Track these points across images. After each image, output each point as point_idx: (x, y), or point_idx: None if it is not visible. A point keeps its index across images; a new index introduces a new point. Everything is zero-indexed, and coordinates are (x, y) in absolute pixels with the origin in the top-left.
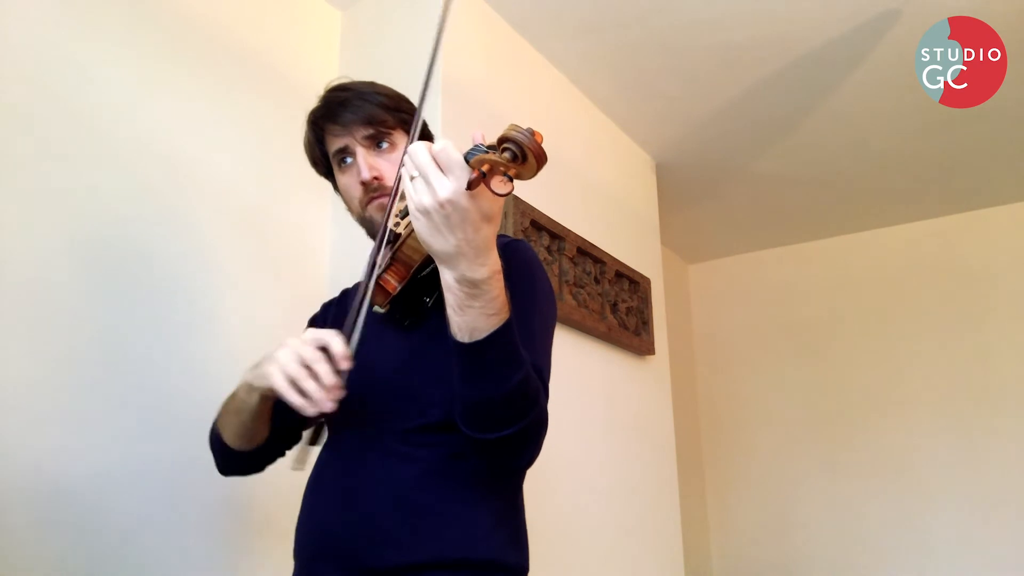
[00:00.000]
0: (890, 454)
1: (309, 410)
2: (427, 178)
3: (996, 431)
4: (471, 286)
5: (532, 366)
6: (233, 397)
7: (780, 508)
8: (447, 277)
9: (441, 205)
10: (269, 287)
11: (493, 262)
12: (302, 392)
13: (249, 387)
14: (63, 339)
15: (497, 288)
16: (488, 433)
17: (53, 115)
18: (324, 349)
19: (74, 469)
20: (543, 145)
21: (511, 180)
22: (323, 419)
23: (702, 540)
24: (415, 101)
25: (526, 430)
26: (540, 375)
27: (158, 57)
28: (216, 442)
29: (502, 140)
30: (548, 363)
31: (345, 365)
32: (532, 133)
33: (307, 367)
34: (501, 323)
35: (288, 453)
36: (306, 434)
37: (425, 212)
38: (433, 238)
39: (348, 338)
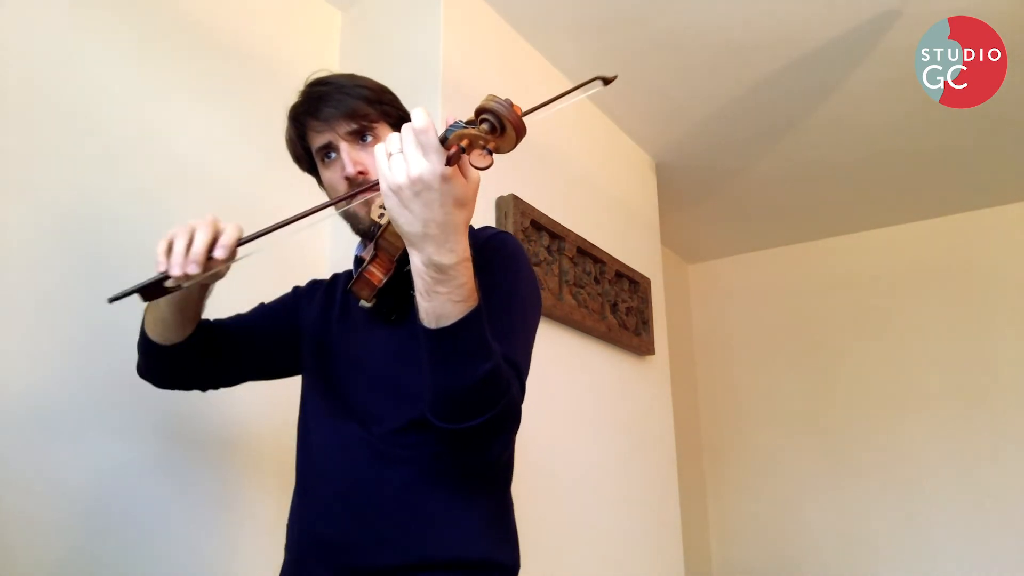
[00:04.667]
0: (890, 454)
1: (161, 264)
2: (404, 154)
3: (997, 431)
4: (438, 271)
5: (506, 359)
6: None
7: (780, 508)
8: (415, 260)
9: (412, 182)
10: (268, 286)
11: (462, 249)
12: (169, 248)
13: None
14: (62, 338)
15: (465, 275)
16: (454, 423)
17: (52, 115)
18: (216, 229)
19: (73, 468)
20: (523, 120)
21: (490, 153)
22: (166, 284)
23: (702, 540)
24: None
25: (493, 422)
26: (515, 368)
27: (157, 56)
28: (140, 333)
29: (480, 111)
30: (526, 357)
31: (220, 253)
32: (511, 104)
33: (188, 232)
34: (468, 311)
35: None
36: (142, 285)
37: (397, 189)
38: (402, 216)
39: (247, 241)
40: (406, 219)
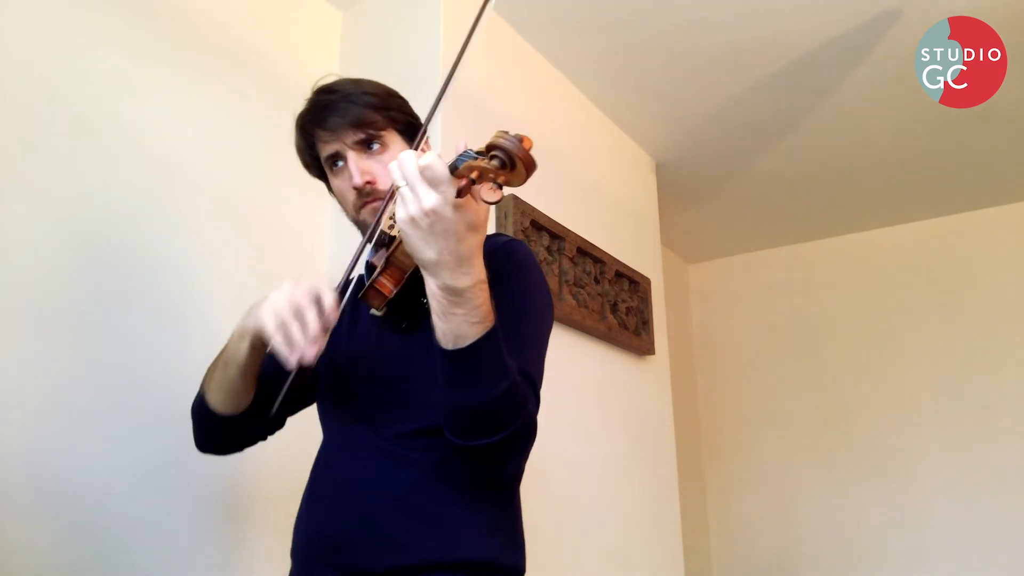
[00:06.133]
0: (890, 453)
1: (291, 359)
2: (413, 188)
3: (995, 430)
4: (454, 294)
5: (522, 373)
6: (223, 350)
7: (780, 508)
8: (430, 284)
9: (426, 214)
10: (268, 287)
11: (477, 271)
12: (287, 338)
13: (241, 332)
14: (61, 337)
15: (481, 297)
16: (471, 440)
17: (52, 114)
18: (317, 300)
19: (71, 467)
20: (532, 152)
21: (500, 188)
22: (302, 371)
23: (702, 540)
24: (423, 109)
25: (510, 439)
26: (531, 382)
27: (158, 57)
28: (198, 408)
29: (490, 147)
30: (540, 370)
31: (333, 318)
32: (521, 139)
33: (297, 313)
34: (485, 331)
35: (270, 438)
36: (288, 384)
37: (411, 221)
38: (417, 247)
39: (339, 298)
40: (420, 248)
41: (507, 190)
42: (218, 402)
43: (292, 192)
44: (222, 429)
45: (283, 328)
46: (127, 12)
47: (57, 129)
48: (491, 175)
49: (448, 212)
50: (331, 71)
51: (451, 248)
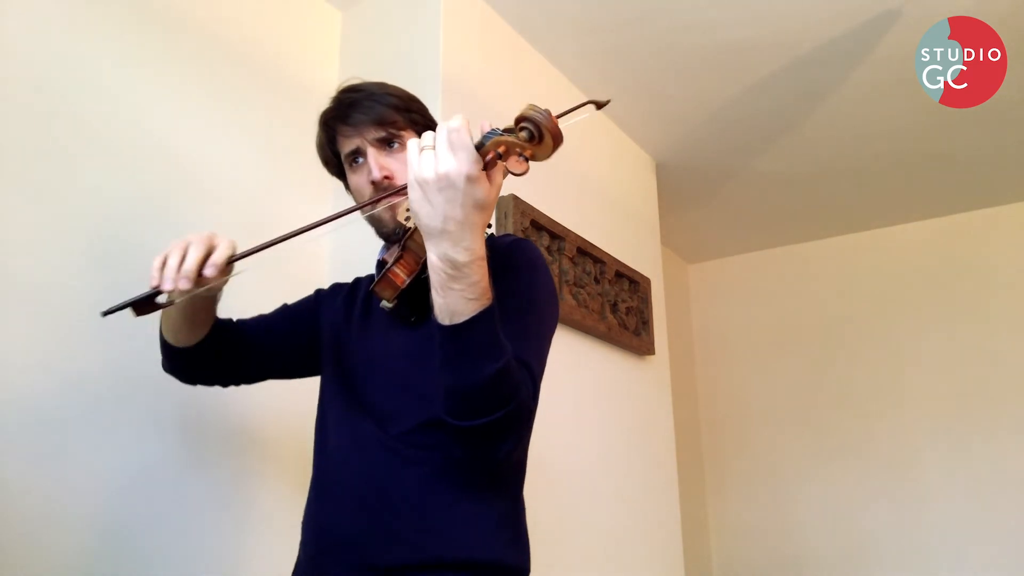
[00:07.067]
0: (890, 454)
1: (154, 279)
2: (436, 151)
3: (996, 431)
4: (452, 267)
5: (519, 361)
6: None
7: (780, 508)
8: (431, 255)
9: (439, 178)
10: (268, 286)
11: (478, 248)
12: (161, 263)
13: None
14: (64, 337)
15: (479, 274)
16: (465, 420)
17: (53, 114)
18: (209, 248)
19: (75, 467)
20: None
21: (527, 160)
22: (158, 298)
23: (702, 540)
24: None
25: (502, 421)
26: (528, 371)
27: (158, 57)
28: (160, 334)
29: (520, 119)
30: (540, 361)
31: (209, 271)
32: (549, 114)
33: (182, 248)
34: (481, 308)
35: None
36: (134, 300)
37: (423, 183)
38: (423, 209)
39: (240, 258)
40: (427, 212)
41: (531, 166)
42: (166, 331)
43: (293, 190)
44: (173, 356)
45: (163, 256)
46: (129, 13)
47: (58, 131)
48: (518, 148)
49: (460, 181)
50: (331, 71)
51: (456, 218)
